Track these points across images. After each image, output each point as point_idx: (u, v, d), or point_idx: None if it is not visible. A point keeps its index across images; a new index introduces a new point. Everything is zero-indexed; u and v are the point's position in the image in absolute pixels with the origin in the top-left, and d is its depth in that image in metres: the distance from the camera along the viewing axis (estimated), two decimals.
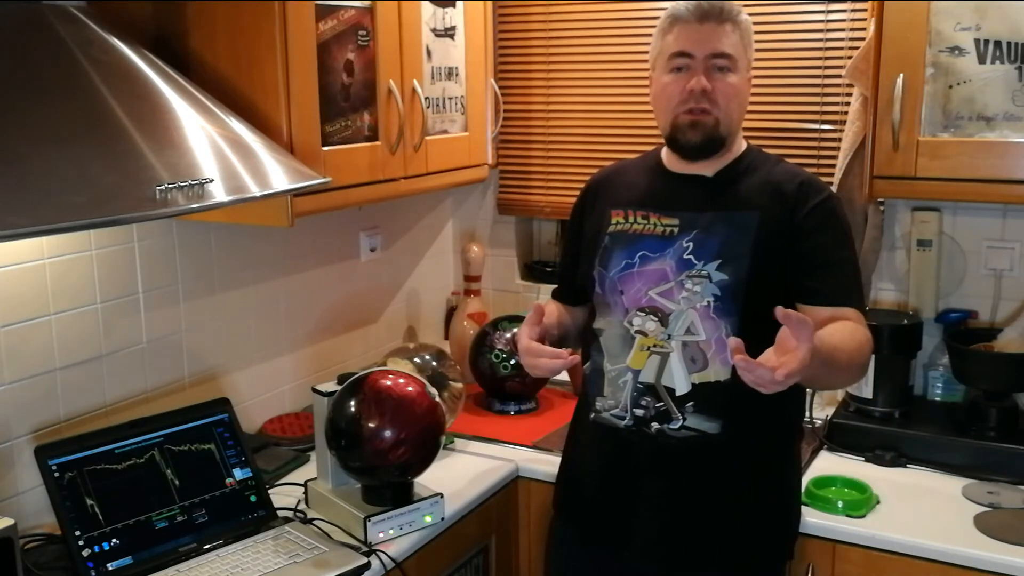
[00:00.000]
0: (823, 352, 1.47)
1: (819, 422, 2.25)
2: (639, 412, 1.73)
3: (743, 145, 1.80)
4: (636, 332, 1.73)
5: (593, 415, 1.80)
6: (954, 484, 1.98)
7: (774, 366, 1.38)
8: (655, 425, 1.72)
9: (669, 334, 1.70)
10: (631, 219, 1.78)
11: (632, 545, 1.76)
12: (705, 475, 1.72)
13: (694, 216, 1.73)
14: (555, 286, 2.04)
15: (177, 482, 1.76)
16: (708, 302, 1.68)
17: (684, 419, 1.70)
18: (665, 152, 1.83)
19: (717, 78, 1.69)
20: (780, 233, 1.69)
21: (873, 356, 2.14)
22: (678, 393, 1.70)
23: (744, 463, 1.73)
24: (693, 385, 1.70)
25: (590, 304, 1.85)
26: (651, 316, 1.72)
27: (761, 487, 1.75)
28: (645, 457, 1.74)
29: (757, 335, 1.65)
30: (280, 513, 1.86)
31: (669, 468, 1.73)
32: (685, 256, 1.71)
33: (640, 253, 1.74)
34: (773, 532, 1.79)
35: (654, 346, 1.72)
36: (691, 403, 1.70)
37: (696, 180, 1.77)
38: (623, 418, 1.75)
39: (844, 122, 2.27)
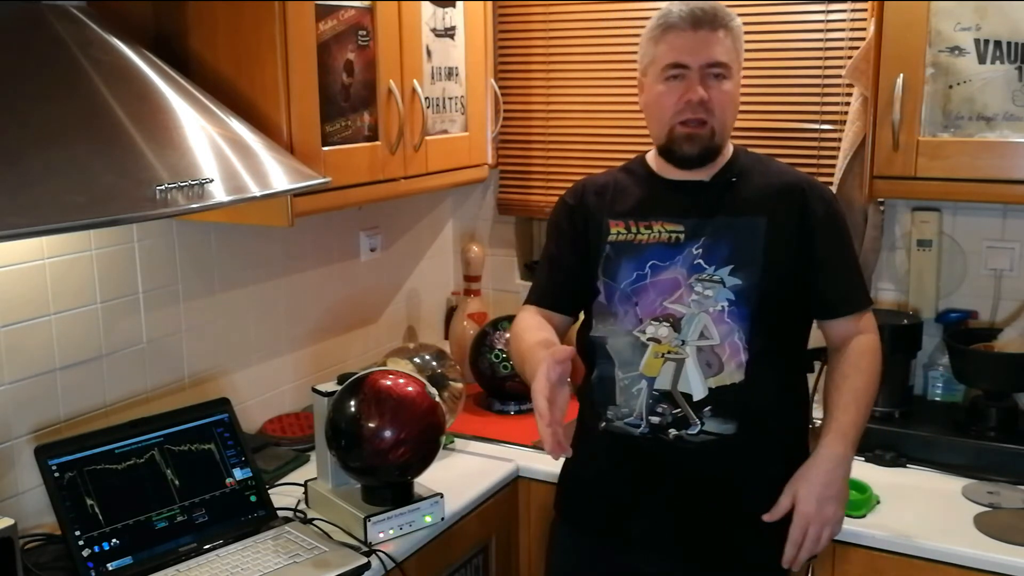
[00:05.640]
0: (854, 432, 1.69)
1: (819, 422, 2.24)
2: (655, 420, 1.71)
3: (731, 147, 1.79)
4: (649, 339, 1.71)
5: (604, 424, 1.77)
6: (954, 484, 1.98)
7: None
8: (672, 432, 1.70)
9: (683, 339, 1.69)
10: (633, 229, 1.76)
11: (644, 545, 1.75)
12: (722, 475, 1.71)
13: (699, 222, 1.72)
14: (531, 293, 1.90)
15: (177, 482, 1.76)
16: (722, 306, 1.68)
17: (702, 424, 1.69)
18: (653, 158, 1.81)
19: (712, 86, 1.67)
20: (789, 237, 1.71)
21: None
22: (695, 398, 1.69)
23: (760, 462, 1.72)
24: (710, 389, 1.68)
25: (577, 312, 1.83)
26: (664, 323, 1.70)
27: (777, 484, 1.75)
28: (662, 461, 1.72)
29: (768, 336, 1.69)
30: (280, 513, 1.86)
31: (686, 470, 1.72)
32: (695, 262, 1.70)
33: (650, 263, 1.73)
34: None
35: (668, 352, 1.70)
36: (708, 407, 1.68)
37: (695, 186, 1.75)
38: (638, 426, 1.72)
39: (844, 122, 2.27)
